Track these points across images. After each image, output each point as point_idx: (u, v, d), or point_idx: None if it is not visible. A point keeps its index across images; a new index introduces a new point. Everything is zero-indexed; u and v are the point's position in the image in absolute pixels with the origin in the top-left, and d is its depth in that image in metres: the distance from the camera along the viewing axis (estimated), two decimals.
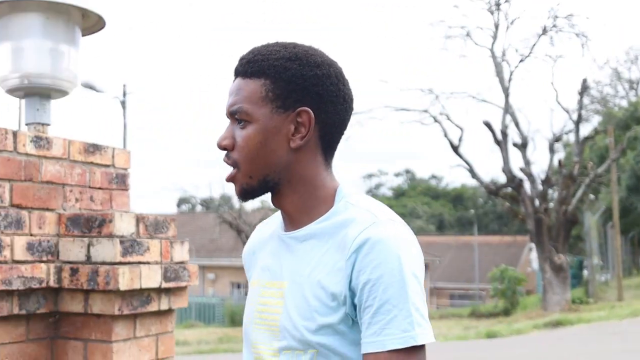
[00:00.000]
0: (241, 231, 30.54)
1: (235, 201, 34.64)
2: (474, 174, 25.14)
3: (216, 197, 40.08)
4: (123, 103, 28.36)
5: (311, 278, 1.52)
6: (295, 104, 1.53)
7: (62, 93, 3.27)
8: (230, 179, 1.60)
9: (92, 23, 3.37)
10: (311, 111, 1.52)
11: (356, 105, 1.61)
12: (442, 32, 31.65)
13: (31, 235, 2.93)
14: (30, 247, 2.90)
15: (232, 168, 1.59)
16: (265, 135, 1.53)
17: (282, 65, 1.53)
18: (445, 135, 25.04)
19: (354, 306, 1.46)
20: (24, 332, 2.97)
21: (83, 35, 3.37)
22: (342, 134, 1.59)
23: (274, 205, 1.63)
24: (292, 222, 1.61)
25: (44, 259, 2.95)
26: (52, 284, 2.93)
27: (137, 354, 3.12)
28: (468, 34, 25.52)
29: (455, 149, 24.80)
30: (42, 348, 3.04)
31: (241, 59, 1.59)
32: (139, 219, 3.11)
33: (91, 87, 23.97)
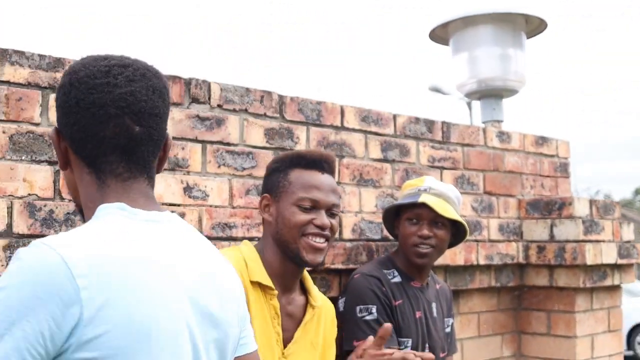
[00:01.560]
0: None
1: None
2: None
3: None
4: (469, 104, 28.83)
5: None
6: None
7: (512, 92, 3.70)
8: None
9: (534, 26, 3.75)
10: (56, 129, 1.37)
11: None
12: None
13: (499, 217, 3.38)
14: (500, 228, 3.35)
15: None
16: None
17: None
18: None
19: None
20: (495, 302, 3.43)
21: (527, 38, 3.77)
22: (103, 143, 1.30)
23: None
24: None
25: (511, 238, 3.38)
26: (520, 260, 3.35)
27: (594, 325, 3.43)
28: None
29: None
30: (509, 317, 3.48)
31: None
32: (592, 202, 3.42)
33: (438, 90, 24.75)
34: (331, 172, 2.14)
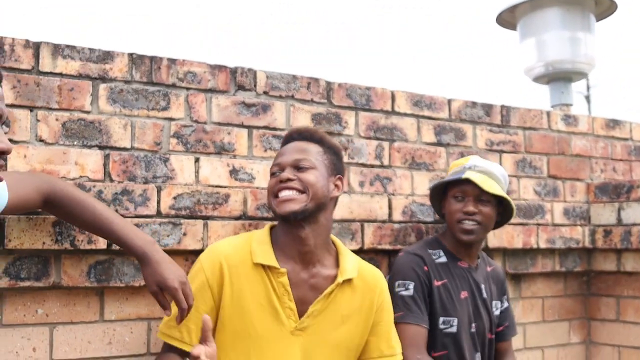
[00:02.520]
0: None
1: None
2: None
3: None
4: (587, 97, 27.82)
5: None
6: None
7: (582, 75, 3.64)
8: None
9: (603, 9, 3.68)
10: None
11: None
12: None
13: (565, 201, 3.33)
14: (566, 212, 3.30)
15: None
16: None
17: None
18: None
19: None
20: (562, 287, 3.39)
21: (597, 21, 3.70)
22: None
23: None
24: None
25: (578, 222, 3.33)
26: (586, 244, 3.30)
27: None
28: None
29: None
30: (577, 303, 3.43)
31: None
32: None
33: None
34: (304, 138, 2.26)
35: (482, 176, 2.59)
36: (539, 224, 3.18)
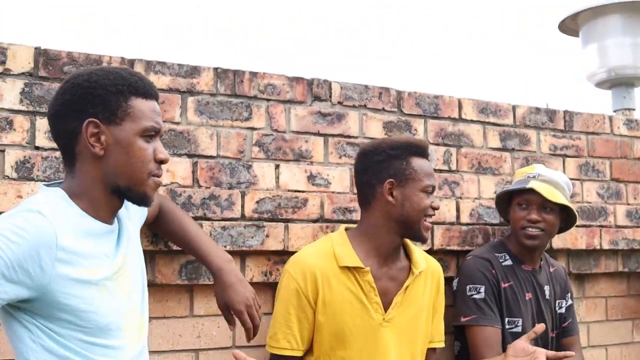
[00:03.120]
0: None
1: None
2: None
3: None
4: None
5: None
6: None
7: None
8: None
9: None
10: None
11: None
12: None
13: (628, 204, 3.41)
14: (628, 214, 3.39)
15: None
16: None
17: None
18: None
19: None
20: (625, 287, 3.47)
21: None
22: None
23: None
24: None
25: None
26: None
27: None
28: None
29: None
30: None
31: None
32: None
33: None
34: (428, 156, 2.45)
35: (546, 185, 2.71)
36: (602, 226, 3.27)
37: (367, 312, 2.31)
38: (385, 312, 2.34)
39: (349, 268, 2.32)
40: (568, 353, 2.31)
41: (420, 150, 2.39)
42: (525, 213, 2.74)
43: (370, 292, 2.32)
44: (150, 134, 1.77)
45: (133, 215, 1.98)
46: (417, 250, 2.49)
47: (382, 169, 2.37)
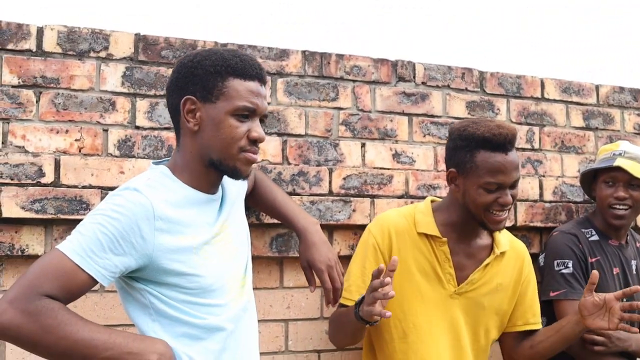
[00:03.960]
0: None
1: None
2: None
3: None
4: None
5: None
6: None
7: None
8: None
9: None
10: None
11: None
12: None
13: None
14: None
15: None
16: None
17: None
18: None
19: None
20: None
21: None
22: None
23: None
24: None
25: None
26: None
27: None
28: None
29: None
30: None
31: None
32: None
33: None
34: (514, 146, 2.29)
35: (632, 162, 2.72)
36: None
37: (440, 282, 2.35)
38: (458, 285, 2.37)
39: (426, 236, 2.36)
40: (634, 288, 2.28)
41: (490, 145, 2.24)
42: (612, 190, 2.75)
43: (445, 262, 2.35)
44: (244, 113, 1.86)
45: (239, 186, 2.11)
46: (504, 233, 2.48)
47: (450, 156, 2.37)
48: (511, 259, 2.47)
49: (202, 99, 1.86)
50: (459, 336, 2.38)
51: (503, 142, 2.24)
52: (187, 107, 1.86)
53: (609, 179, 2.77)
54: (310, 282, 2.30)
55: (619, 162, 2.73)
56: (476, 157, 2.25)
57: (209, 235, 1.87)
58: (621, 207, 2.75)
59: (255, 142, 1.88)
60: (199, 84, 1.86)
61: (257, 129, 1.88)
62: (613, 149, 2.82)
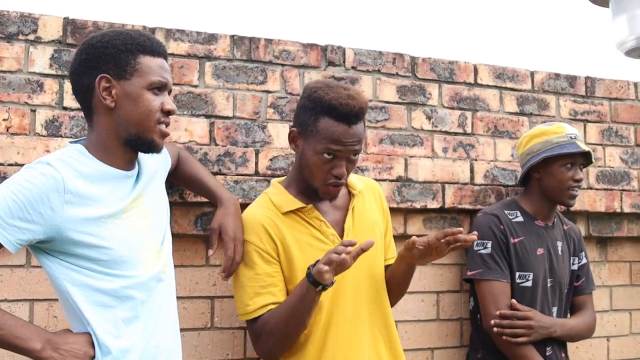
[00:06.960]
0: None
1: None
2: None
3: None
4: None
5: None
6: None
7: None
8: None
9: None
10: None
11: None
12: None
13: None
14: None
15: None
16: None
17: None
18: None
19: None
20: None
21: None
22: None
23: None
24: None
25: None
26: None
27: None
28: None
29: None
30: None
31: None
32: None
33: None
34: (360, 120, 2.24)
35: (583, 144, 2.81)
36: (623, 190, 3.31)
37: (327, 245, 2.29)
38: (342, 239, 2.31)
39: (293, 212, 2.33)
40: (457, 229, 2.22)
41: (335, 113, 2.20)
42: (572, 173, 2.80)
43: (322, 226, 2.32)
44: (157, 86, 1.97)
45: (158, 163, 2.20)
46: (352, 175, 2.46)
47: (297, 114, 2.34)
48: (367, 193, 2.46)
49: (116, 77, 1.94)
50: (359, 283, 2.35)
51: (348, 114, 2.18)
52: (102, 85, 1.94)
53: (569, 162, 2.80)
54: (212, 245, 2.31)
55: (583, 146, 2.78)
56: (319, 123, 2.21)
57: (119, 207, 1.94)
58: (577, 188, 2.82)
59: (169, 113, 1.99)
60: (112, 62, 1.94)
61: (169, 101, 2.00)
62: (562, 131, 2.81)
